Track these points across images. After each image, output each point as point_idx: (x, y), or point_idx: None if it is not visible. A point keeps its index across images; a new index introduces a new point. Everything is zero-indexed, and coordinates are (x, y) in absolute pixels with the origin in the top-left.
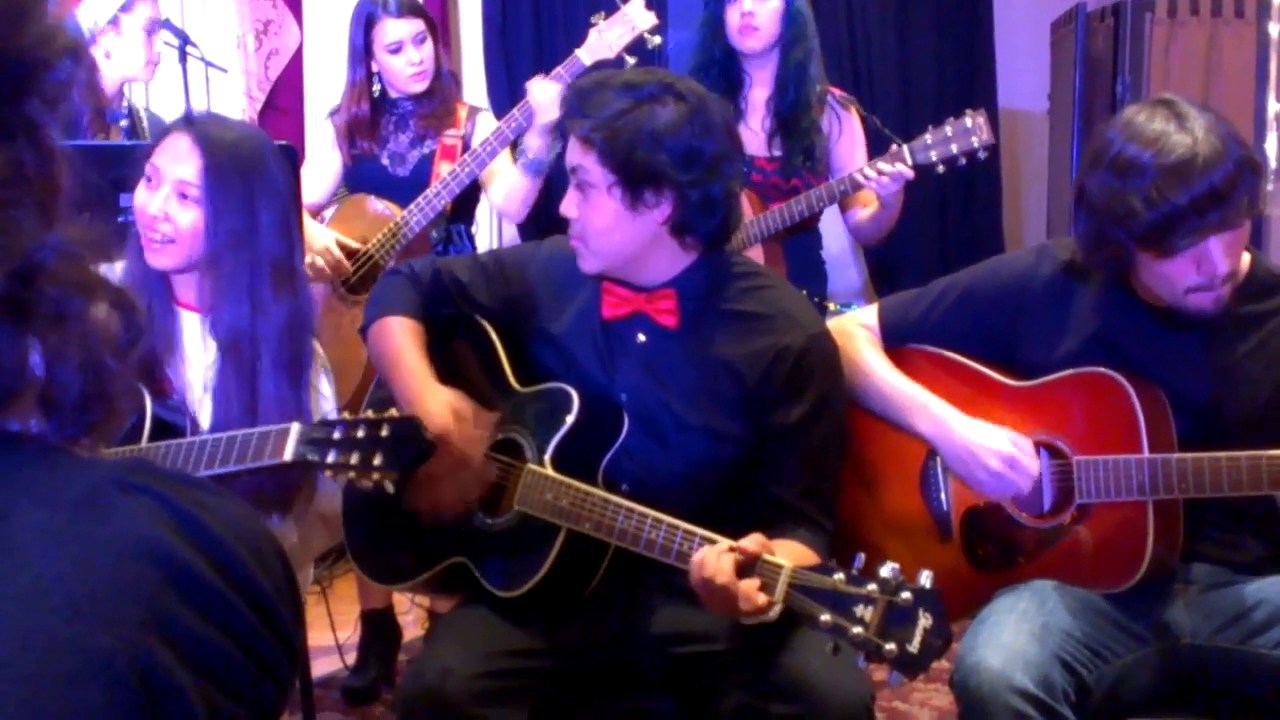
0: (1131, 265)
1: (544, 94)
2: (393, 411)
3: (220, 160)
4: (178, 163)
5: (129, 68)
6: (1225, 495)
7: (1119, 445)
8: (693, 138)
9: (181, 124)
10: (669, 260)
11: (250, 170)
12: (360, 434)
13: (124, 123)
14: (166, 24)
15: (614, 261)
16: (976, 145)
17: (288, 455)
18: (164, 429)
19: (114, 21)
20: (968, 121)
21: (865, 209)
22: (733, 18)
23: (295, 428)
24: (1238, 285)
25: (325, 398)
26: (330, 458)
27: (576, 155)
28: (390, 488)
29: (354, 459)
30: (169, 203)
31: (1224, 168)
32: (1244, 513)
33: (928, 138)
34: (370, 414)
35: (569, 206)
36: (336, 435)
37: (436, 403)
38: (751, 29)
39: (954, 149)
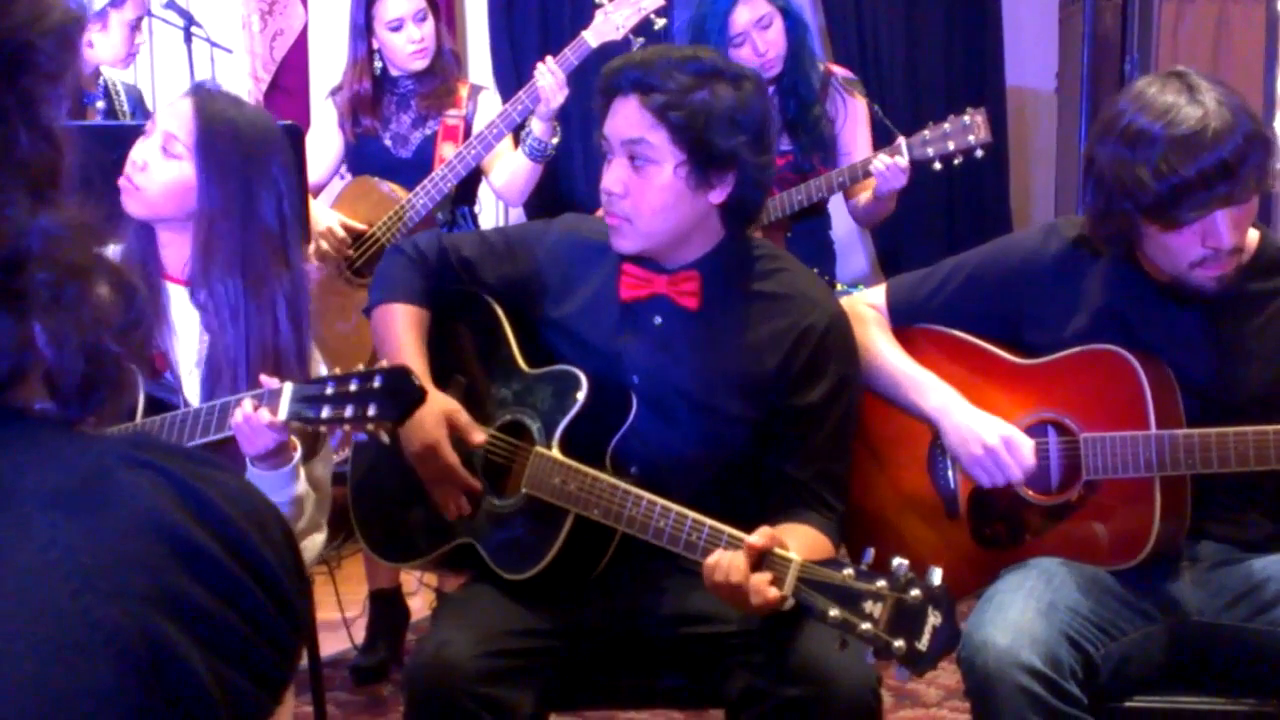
0: (1138, 238)
1: (549, 81)
2: (383, 363)
3: (215, 129)
4: (172, 117)
5: (108, 57)
6: (1232, 471)
7: (1126, 422)
8: (762, 117)
9: (192, 89)
10: (701, 242)
11: (250, 151)
12: (353, 388)
13: (100, 104)
14: (171, 4)
15: (657, 242)
16: (974, 143)
17: (282, 415)
18: (156, 406)
19: (102, 15)
20: (966, 119)
21: (863, 194)
22: (746, 58)
23: (289, 386)
24: (1245, 262)
25: None
26: (325, 413)
27: (640, 128)
28: (386, 438)
29: (348, 412)
30: (153, 153)
31: (1234, 141)
32: (1252, 490)
33: (926, 133)
34: (361, 368)
35: (614, 181)
36: (329, 391)
37: (431, 413)
38: (770, 63)
39: (951, 146)
